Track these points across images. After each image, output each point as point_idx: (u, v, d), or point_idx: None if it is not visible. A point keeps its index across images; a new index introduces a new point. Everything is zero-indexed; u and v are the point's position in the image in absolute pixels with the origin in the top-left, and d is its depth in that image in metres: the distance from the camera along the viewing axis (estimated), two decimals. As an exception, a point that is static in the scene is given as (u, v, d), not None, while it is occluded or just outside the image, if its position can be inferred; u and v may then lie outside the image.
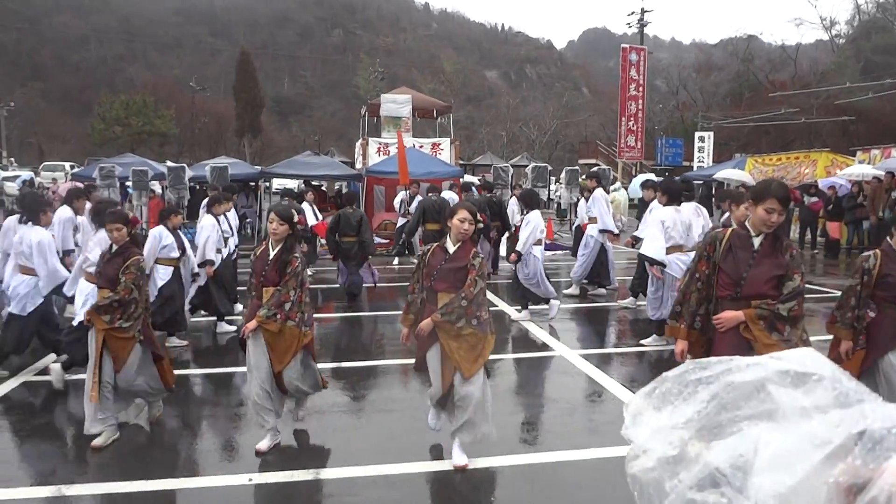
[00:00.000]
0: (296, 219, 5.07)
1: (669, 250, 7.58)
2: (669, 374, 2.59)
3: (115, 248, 5.19)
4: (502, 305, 10.43)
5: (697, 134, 34.29)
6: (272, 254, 4.96)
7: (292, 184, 22.62)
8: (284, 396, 5.16)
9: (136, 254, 5.16)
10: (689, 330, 4.09)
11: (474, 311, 4.49)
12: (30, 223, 6.70)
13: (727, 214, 8.14)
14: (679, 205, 7.83)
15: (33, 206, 6.79)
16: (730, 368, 2.48)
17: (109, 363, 5.00)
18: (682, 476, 2.30)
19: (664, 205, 7.87)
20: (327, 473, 4.61)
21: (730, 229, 4.09)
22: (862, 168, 18.89)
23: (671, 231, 7.59)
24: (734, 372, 2.45)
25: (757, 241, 3.93)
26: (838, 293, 5.36)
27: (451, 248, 4.65)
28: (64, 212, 8.22)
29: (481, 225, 4.77)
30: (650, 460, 2.40)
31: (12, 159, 44.16)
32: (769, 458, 2.15)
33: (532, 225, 9.15)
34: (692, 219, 7.75)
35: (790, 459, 2.09)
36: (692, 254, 7.32)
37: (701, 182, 27.90)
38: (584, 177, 15.62)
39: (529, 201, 9.57)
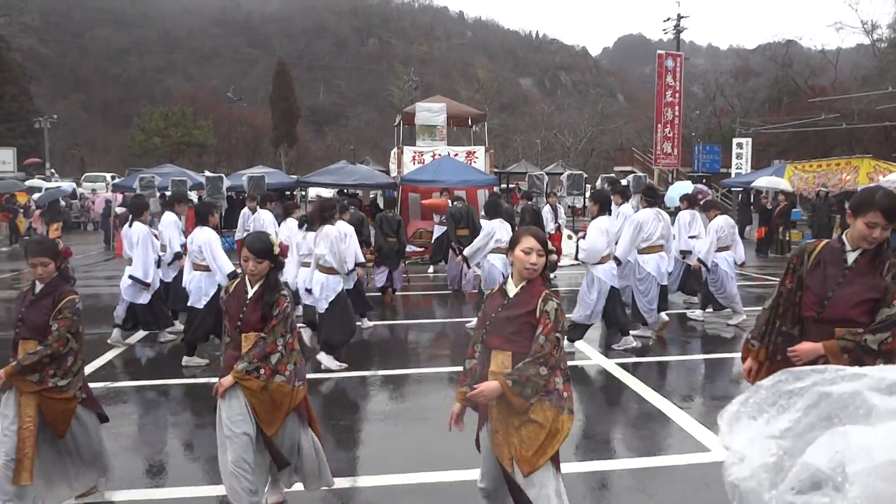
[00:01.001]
0: (277, 249, 4.00)
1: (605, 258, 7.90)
2: (764, 384, 2.58)
3: (39, 287, 4.22)
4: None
5: (735, 140, 33.85)
6: (251, 292, 3.96)
7: (327, 193, 22.80)
8: (282, 472, 4.07)
9: (68, 293, 4.14)
10: (762, 350, 3.65)
11: (553, 383, 3.28)
12: (200, 225, 7.59)
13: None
14: (609, 213, 8.24)
15: (202, 210, 7.83)
16: (825, 378, 2.44)
17: (49, 433, 4.06)
18: (780, 483, 2.27)
19: (595, 215, 8.05)
20: (364, 481, 4.62)
21: (823, 241, 3.61)
22: (906, 174, 18.49)
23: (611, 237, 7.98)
24: (830, 383, 2.42)
25: (852, 257, 3.41)
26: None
27: (512, 290, 3.45)
28: (168, 216, 9.20)
29: (554, 257, 3.76)
30: (748, 468, 2.39)
31: (53, 170, 45.13)
32: (858, 450, 2.14)
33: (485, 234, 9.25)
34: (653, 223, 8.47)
35: (876, 450, 2.09)
36: (606, 264, 7.86)
37: (740, 189, 27.58)
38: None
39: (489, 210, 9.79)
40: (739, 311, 9.81)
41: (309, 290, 7.70)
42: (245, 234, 3.75)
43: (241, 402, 3.80)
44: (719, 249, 9.69)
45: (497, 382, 3.22)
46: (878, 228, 3.28)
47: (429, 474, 4.69)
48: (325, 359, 7.41)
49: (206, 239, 7.44)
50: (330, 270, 7.44)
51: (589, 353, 8.12)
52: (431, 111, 20.92)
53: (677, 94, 32.94)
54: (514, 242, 3.47)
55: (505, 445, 3.30)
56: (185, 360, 7.56)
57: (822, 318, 3.40)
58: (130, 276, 8.38)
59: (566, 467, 4.74)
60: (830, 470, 2.14)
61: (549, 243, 3.49)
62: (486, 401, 3.30)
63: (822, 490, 2.15)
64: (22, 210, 25.37)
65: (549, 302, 3.31)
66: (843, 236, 3.46)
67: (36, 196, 27.39)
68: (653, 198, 8.96)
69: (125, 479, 4.64)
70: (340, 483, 4.57)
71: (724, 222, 9.83)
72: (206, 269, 7.48)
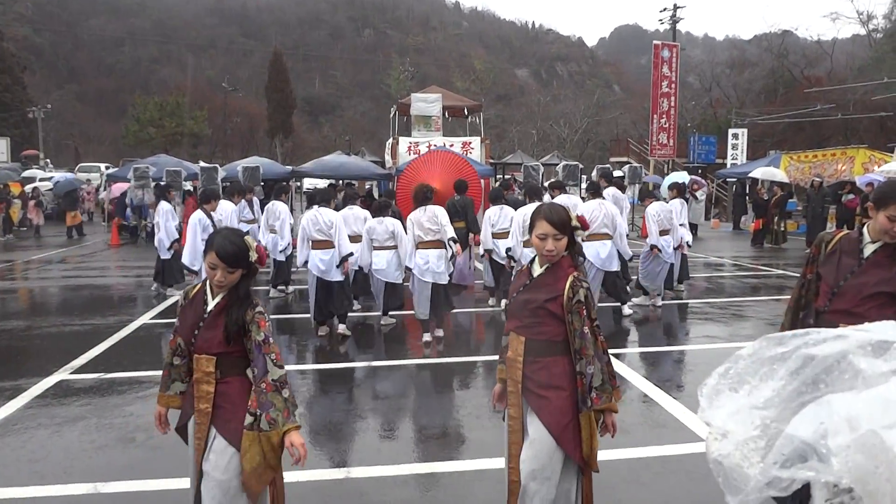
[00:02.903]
0: (254, 255, 3.08)
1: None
2: (743, 353, 2.49)
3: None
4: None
5: (731, 131, 33.83)
6: (211, 303, 3.11)
7: (322, 183, 22.74)
8: None
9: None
10: None
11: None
12: (320, 205, 8.61)
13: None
14: (540, 200, 9.04)
15: (324, 195, 8.82)
16: (807, 342, 2.36)
17: None
18: (766, 455, 2.21)
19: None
20: (358, 472, 4.61)
21: (843, 231, 3.51)
22: (900, 164, 18.50)
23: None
24: (813, 345, 2.34)
25: (870, 249, 3.28)
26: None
27: (537, 271, 3.31)
28: (227, 205, 10.54)
29: (583, 233, 3.35)
30: (731, 444, 2.32)
31: (48, 160, 44.94)
32: (840, 421, 2.08)
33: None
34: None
35: (859, 419, 2.04)
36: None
37: (735, 180, 27.59)
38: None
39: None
40: (654, 295, 10.47)
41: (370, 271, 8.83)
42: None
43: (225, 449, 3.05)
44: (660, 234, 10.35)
45: (611, 416, 3.22)
46: None
47: (423, 465, 4.69)
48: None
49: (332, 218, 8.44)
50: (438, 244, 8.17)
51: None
52: (427, 102, 20.87)
53: (673, 85, 32.88)
54: (530, 226, 3.31)
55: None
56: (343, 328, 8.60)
57: (829, 310, 3.30)
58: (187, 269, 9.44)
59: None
60: (815, 442, 2.08)
61: (575, 220, 3.27)
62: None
63: (807, 463, 2.08)
64: (16, 200, 25.26)
65: (580, 290, 3.14)
66: (865, 228, 3.35)
67: (30, 187, 27.31)
68: (594, 190, 9.74)
69: (118, 469, 4.63)
70: (334, 474, 4.56)
71: (659, 208, 10.45)
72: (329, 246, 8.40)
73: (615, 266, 9.34)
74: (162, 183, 18.55)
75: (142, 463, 4.78)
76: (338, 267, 8.36)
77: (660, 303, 10.46)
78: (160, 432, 3.36)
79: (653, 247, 10.17)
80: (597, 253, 9.08)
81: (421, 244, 8.18)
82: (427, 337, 8.21)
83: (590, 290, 3.19)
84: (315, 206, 8.77)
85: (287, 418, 2.92)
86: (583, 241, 8.80)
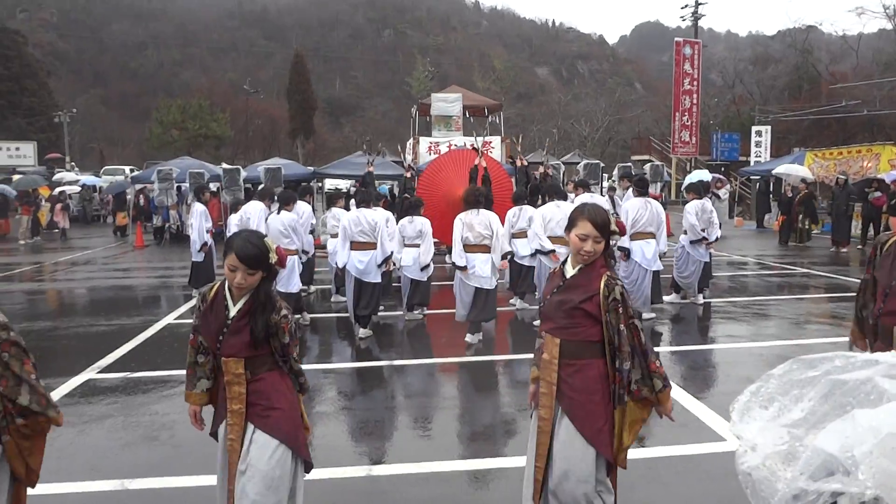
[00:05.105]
0: (274, 257, 3.08)
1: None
2: (775, 373, 2.56)
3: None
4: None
5: (754, 128, 33.56)
6: (233, 308, 3.09)
7: (344, 184, 22.84)
8: None
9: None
10: (861, 333, 3.64)
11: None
12: (363, 205, 8.67)
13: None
14: (524, 204, 9.63)
15: (365, 197, 8.88)
16: (837, 367, 2.40)
17: None
18: (793, 469, 2.26)
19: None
20: (379, 470, 4.64)
21: None
22: (928, 161, 18.26)
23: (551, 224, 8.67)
24: (843, 370, 2.38)
25: None
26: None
27: (570, 272, 3.28)
28: (256, 205, 10.43)
29: (618, 235, 3.33)
30: (759, 456, 2.37)
31: (73, 164, 45.56)
32: (864, 431, 2.12)
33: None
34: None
35: (881, 427, 2.08)
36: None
37: (759, 178, 27.34)
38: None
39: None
40: (690, 294, 10.66)
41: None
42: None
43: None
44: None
45: (648, 408, 3.21)
46: None
47: (443, 463, 4.71)
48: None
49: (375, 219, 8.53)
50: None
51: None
52: (447, 101, 20.86)
53: (695, 82, 32.72)
54: (570, 223, 3.27)
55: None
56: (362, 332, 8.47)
57: (883, 312, 3.26)
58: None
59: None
60: (840, 454, 2.12)
61: (613, 224, 3.26)
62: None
63: (834, 476, 2.13)
64: (44, 203, 25.67)
65: (615, 288, 3.12)
66: None
67: (57, 190, 27.73)
68: (643, 188, 9.59)
69: (143, 467, 4.70)
70: (355, 472, 4.61)
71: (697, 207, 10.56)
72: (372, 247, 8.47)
73: (658, 265, 9.25)
74: (203, 184, 18.83)
75: (166, 460, 4.86)
76: (379, 267, 8.41)
77: (700, 300, 10.47)
78: (197, 430, 3.40)
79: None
80: (642, 252, 9.00)
81: (468, 247, 8.11)
82: (469, 338, 8.12)
83: (625, 288, 3.17)
84: (356, 208, 8.82)
85: None
86: (631, 239, 8.88)
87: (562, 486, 3.18)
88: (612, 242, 3.29)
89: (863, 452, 2.08)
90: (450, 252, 15.29)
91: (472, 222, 8.12)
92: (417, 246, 8.95)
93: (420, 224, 8.93)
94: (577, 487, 3.15)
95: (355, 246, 8.39)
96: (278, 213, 8.91)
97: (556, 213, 8.68)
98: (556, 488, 3.20)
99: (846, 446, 2.13)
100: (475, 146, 15.73)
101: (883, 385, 2.25)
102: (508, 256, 10.06)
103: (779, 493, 2.26)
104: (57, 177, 33.75)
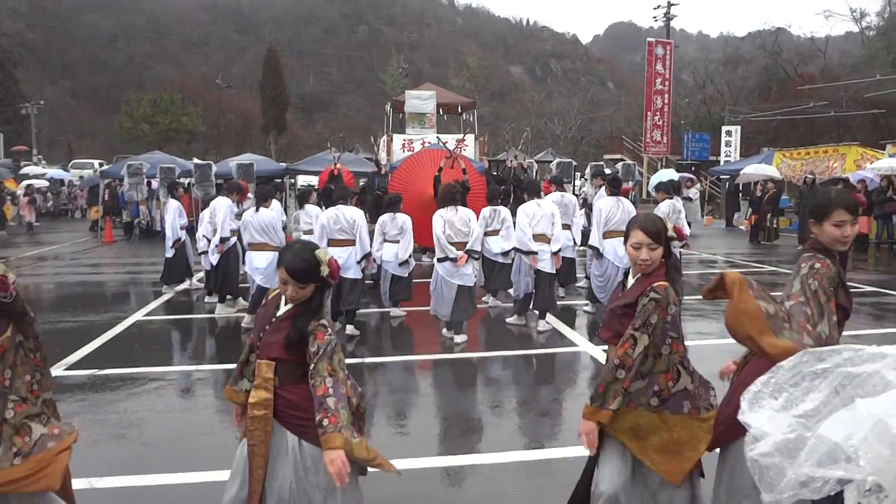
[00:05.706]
0: (325, 270, 3.04)
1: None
2: (784, 365, 2.59)
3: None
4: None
5: (724, 128, 33.95)
6: (283, 308, 3.13)
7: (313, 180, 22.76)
8: None
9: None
10: None
11: (646, 386, 3.14)
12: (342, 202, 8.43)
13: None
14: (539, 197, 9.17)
15: (343, 193, 8.64)
16: (846, 359, 2.45)
17: None
18: (801, 457, 2.32)
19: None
20: (398, 465, 4.63)
21: None
22: (892, 162, 18.66)
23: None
24: (853, 364, 2.44)
25: None
26: (867, 288, 5.27)
27: (630, 281, 3.29)
28: (222, 201, 10.01)
29: (678, 243, 3.29)
30: (768, 444, 2.41)
31: (40, 157, 44.85)
32: (863, 419, 2.20)
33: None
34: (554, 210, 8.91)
35: (876, 414, 2.16)
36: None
37: (728, 177, 27.68)
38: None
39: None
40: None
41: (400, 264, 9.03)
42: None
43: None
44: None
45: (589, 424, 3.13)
46: None
47: (415, 460, 4.70)
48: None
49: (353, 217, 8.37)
50: None
51: (576, 341, 8.17)
52: (421, 99, 20.86)
53: (667, 82, 32.98)
54: (625, 237, 3.28)
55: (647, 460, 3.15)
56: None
57: None
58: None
59: (570, 451, 4.76)
60: (843, 442, 2.20)
61: (671, 230, 3.23)
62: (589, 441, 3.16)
63: (837, 464, 2.21)
64: (10, 197, 25.25)
65: (645, 297, 3.07)
66: None
67: (24, 184, 27.29)
68: (616, 187, 9.52)
69: (112, 465, 4.65)
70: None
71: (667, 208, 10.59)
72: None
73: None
74: (176, 180, 18.63)
75: (134, 458, 4.81)
76: (358, 263, 8.33)
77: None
78: (235, 425, 3.35)
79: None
80: (614, 250, 8.99)
81: (451, 244, 8.10)
82: (458, 339, 8.09)
83: (662, 299, 3.08)
84: (334, 205, 8.57)
85: (335, 426, 2.84)
86: (603, 237, 8.93)
87: (620, 497, 3.20)
88: (674, 250, 3.25)
89: (861, 439, 2.17)
90: (423, 252, 15.40)
91: (452, 220, 8.14)
92: (398, 242, 9.00)
93: (402, 220, 8.98)
94: (634, 498, 3.25)
95: (333, 243, 8.24)
96: (256, 210, 8.85)
97: (537, 211, 8.69)
98: (611, 499, 3.22)
99: (849, 435, 2.21)
100: (447, 148, 15.75)
101: (889, 377, 2.32)
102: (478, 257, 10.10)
103: (786, 479, 2.32)
104: (24, 170, 33.21)
